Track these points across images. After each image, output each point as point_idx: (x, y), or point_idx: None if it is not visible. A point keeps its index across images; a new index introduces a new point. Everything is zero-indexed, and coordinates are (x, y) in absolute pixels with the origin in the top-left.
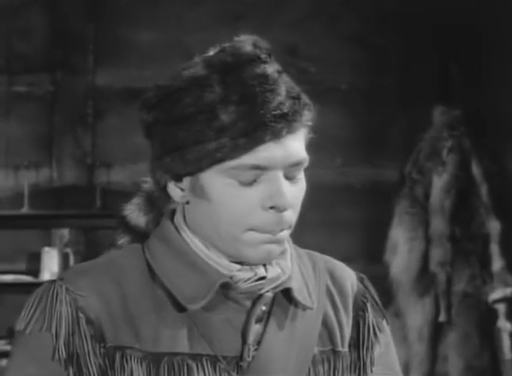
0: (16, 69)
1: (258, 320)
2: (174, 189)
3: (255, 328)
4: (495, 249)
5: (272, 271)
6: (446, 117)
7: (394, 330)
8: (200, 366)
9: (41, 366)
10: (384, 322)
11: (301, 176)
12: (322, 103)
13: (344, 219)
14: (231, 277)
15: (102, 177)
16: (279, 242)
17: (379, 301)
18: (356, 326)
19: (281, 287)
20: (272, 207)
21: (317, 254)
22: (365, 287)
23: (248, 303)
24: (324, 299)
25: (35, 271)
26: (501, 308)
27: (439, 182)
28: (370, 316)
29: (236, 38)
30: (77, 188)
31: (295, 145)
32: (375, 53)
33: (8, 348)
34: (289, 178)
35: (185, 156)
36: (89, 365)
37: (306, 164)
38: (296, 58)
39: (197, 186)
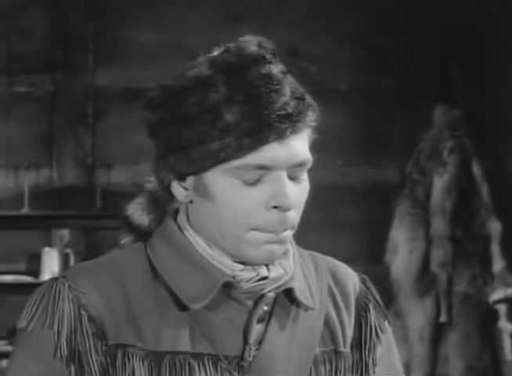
0: (16, 69)
1: (260, 320)
2: (177, 189)
3: (257, 328)
4: (495, 250)
5: (275, 271)
6: (447, 118)
7: (395, 330)
8: (201, 365)
9: (42, 363)
10: (386, 323)
11: (305, 177)
12: (323, 103)
13: (345, 220)
14: (233, 277)
15: (102, 177)
16: (281, 242)
17: (381, 302)
18: (358, 326)
19: (283, 287)
20: (275, 207)
21: (319, 255)
22: (367, 288)
23: (250, 303)
24: (326, 300)
25: (35, 271)
26: (502, 308)
27: (440, 183)
28: (372, 316)
29: (240, 39)
30: (77, 188)
31: (299, 145)
32: (375, 53)
33: (8, 348)
34: (292, 178)
35: (190, 155)
36: (91, 363)
37: (310, 164)
38: (296, 58)
39: (201, 186)
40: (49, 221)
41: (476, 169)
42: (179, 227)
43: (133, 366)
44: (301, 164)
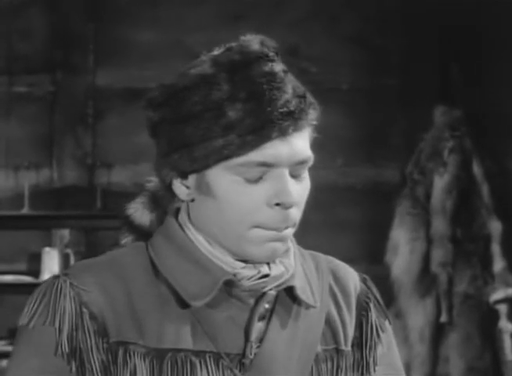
0: (16, 69)
1: (261, 318)
2: (179, 187)
3: (258, 326)
4: (496, 250)
5: (276, 269)
6: (447, 118)
7: (396, 330)
8: (203, 362)
9: (43, 360)
10: (387, 322)
11: (306, 175)
12: (323, 103)
13: (345, 220)
14: (234, 275)
15: (102, 177)
16: (283, 240)
17: (381, 302)
18: (359, 326)
19: (284, 285)
20: (277, 205)
21: (320, 255)
22: (368, 288)
23: (251, 301)
24: (327, 298)
25: (36, 271)
26: (502, 308)
27: (440, 183)
28: (373, 316)
29: (242, 38)
30: (77, 188)
31: (300, 143)
32: (376, 53)
33: (8, 348)
34: (294, 176)
35: (193, 153)
36: (92, 360)
37: (311, 162)
38: (297, 58)
39: (203, 184)
40: (49, 221)
41: (476, 169)
42: (180, 226)
43: (134, 363)
44: (302, 162)
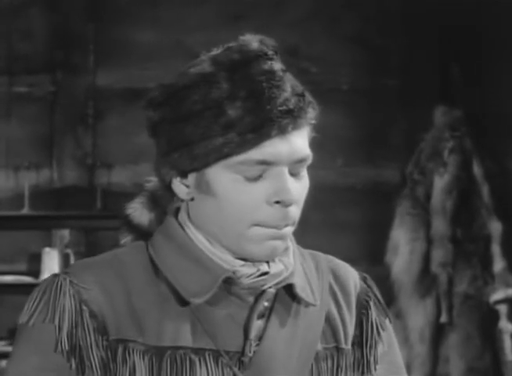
0: (16, 69)
1: (260, 316)
2: (179, 186)
3: (257, 324)
4: (496, 250)
5: (275, 267)
6: (447, 118)
7: (396, 331)
8: (202, 360)
9: (43, 357)
10: (387, 321)
11: (305, 173)
12: (323, 103)
13: (345, 220)
14: (234, 272)
15: (102, 178)
16: (283, 238)
17: (382, 301)
18: (359, 324)
19: (283, 283)
20: (277, 203)
21: (320, 254)
22: (369, 287)
23: (251, 299)
24: (327, 297)
25: (36, 272)
26: (502, 309)
27: (440, 183)
28: (373, 314)
29: (241, 37)
30: (77, 189)
31: (300, 141)
32: (376, 53)
33: (8, 349)
34: (293, 174)
35: (193, 151)
36: (91, 358)
37: (310, 161)
38: (297, 58)
39: (203, 182)
40: (49, 221)
41: (476, 169)
42: (180, 224)
43: (133, 361)
44: (301, 160)
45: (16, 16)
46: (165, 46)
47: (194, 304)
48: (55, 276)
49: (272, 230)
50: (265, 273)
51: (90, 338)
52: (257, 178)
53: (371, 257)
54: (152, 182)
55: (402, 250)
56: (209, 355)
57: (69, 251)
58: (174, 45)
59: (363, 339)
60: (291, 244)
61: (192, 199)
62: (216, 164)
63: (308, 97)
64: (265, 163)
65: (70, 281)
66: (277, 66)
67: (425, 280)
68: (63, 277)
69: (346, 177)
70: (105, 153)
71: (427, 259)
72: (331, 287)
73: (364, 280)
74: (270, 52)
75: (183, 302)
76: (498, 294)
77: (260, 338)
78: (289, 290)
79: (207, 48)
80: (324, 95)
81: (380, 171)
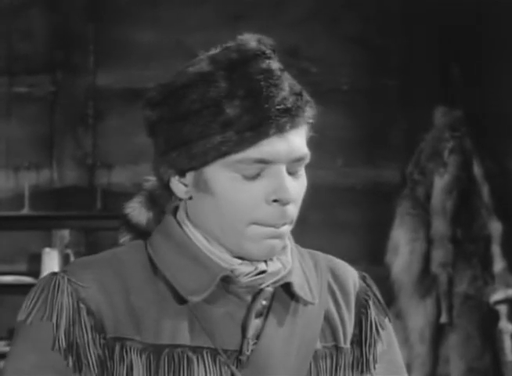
0: (16, 70)
1: (259, 315)
2: (177, 185)
3: (255, 323)
4: (496, 250)
5: (273, 266)
6: (447, 118)
7: (396, 331)
8: (200, 358)
9: (41, 355)
10: (387, 320)
11: (303, 172)
12: (324, 103)
13: (345, 220)
14: (232, 271)
15: (102, 178)
16: (281, 237)
17: (381, 299)
18: (358, 323)
19: (281, 282)
20: (275, 201)
21: (319, 254)
22: (368, 286)
23: (249, 297)
24: (326, 296)
25: (36, 272)
26: (502, 309)
27: (440, 183)
28: (373, 313)
29: (239, 37)
30: (77, 189)
31: (297, 140)
32: (376, 54)
33: (8, 349)
34: (291, 173)
35: (191, 150)
36: (89, 355)
37: (308, 160)
38: (297, 58)
39: (201, 181)
40: (50, 221)
41: (477, 169)
42: (179, 223)
43: (131, 359)
44: (299, 159)
45: (16, 16)
46: (165, 46)
47: (192, 302)
48: (53, 274)
49: (270, 229)
50: (263, 272)
51: (87, 336)
52: (255, 177)
53: (371, 257)
54: (150, 181)
55: (402, 250)
56: (207, 353)
57: (69, 251)
58: (174, 45)
59: (362, 338)
60: (289, 242)
61: (190, 198)
62: (214, 162)
63: (306, 96)
64: (263, 161)
65: (68, 279)
66: (275, 65)
67: (425, 280)
68: (61, 275)
69: (346, 177)
70: (105, 154)
71: (427, 259)
72: (330, 286)
73: (363, 279)
74: (268, 51)
75: (181, 301)
76: (498, 295)
77: (258, 337)
78: (287, 288)
79: (207, 49)
80: (324, 96)
81: (380, 171)
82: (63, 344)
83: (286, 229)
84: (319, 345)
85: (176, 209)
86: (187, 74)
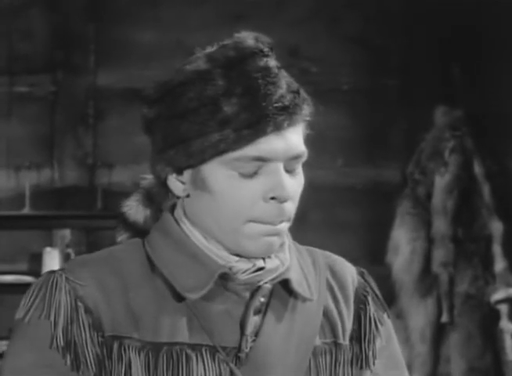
0: (16, 69)
1: (257, 312)
2: (174, 183)
3: (254, 319)
4: (497, 250)
5: (271, 262)
6: (448, 118)
7: (397, 331)
8: (199, 356)
9: (39, 353)
10: (385, 315)
11: (300, 170)
12: (324, 103)
13: (346, 220)
14: (230, 268)
15: (103, 178)
16: (278, 234)
17: (380, 295)
18: (357, 319)
19: (279, 279)
20: (272, 198)
21: (317, 250)
22: (366, 281)
23: (247, 294)
24: (324, 292)
25: (36, 271)
26: (503, 309)
27: (441, 183)
28: (371, 309)
29: (236, 34)
30: (78, 188)
31: (295, 138)
32: (376, 53)
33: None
34: (288, 171)
35: (189, 148)
36: (86, 354)
37: (305, 157)
38: (297, 58)
39: (198, 179)
40: (50, 221)
41: (477, 169)
42: (176, 221)
43: (129, 357)
44: (296, 157)
45: (17, 16)
46: (166, 46)
47: (190, 300)
48: (51, 272)
49: (268, 226)
50: (261, 269)
51: (85, 335)
52: (252, 175)
53: (372, 257)
54: (147, 179)
55: (403, 250)
56: (206, 351)
57: (70, 250)
58: (174, 45)
59: (361, 334)
60: (287, 239)
61: (187, 195)
62: (212, 160)
63: (303, 94)
64: (261, 159)
65: (66, 278)
66: (272, 63)
67: (426, 279)
68: (59, 274)
69: (346, 177)
70: (105, 153)
71: (427, 259)
72: (328, 283)
73: (361, 274)
74: (265, 49)
75: (179, 298)
76: (499, 294)
77: (256, 334)
78: (285, 285)
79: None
80: (324, 95)
81: (381, 171)
82: (61, 342)
83: (284, 226)
84: (318, 342)
85: (174, 207)
86: (184, 72)
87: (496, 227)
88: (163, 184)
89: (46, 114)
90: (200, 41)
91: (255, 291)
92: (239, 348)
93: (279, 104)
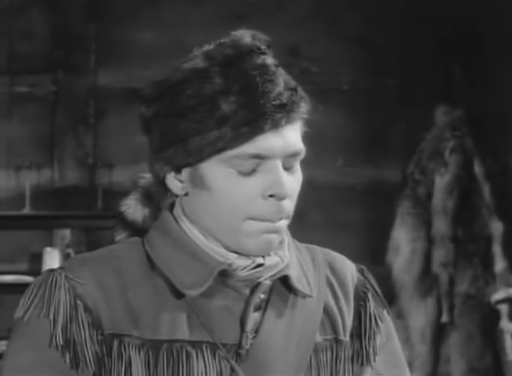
0: (17, 69)
1: (257, 308)
2: (173, 181)
3: (254, 316)
4: (497, 250)
5: (270, 259)
6: (448, 118)
7: (397, 331)
8: (199, 353)
9: (38, 352)
10: (385, 312)
11: (298, 168)
12: (324, 103)
13: (346, 220)
14: (229, 265)
15: (103, 177)
16: (277, 231)
17: (380, 292)
18: (358, 316)
19: (279, 275)
20: (271, 196)
21: (316, 248)
22: (366, 278)
23: (247, 291)
24: (324, 289)
25: (37, 271)
26: (503, 309)
27: (441, 183)
28: (371, 306)
29: (233, 32)
30: (78, 188)
31: (293, 135)
32: (376, 53)
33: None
34: (287, 168)
35: (187, 146)
36: (86, 352)
37: (303, 155)
38: (297, 58)
39: (197, 177)
40: (50, 221)
41: (477, 169)
42: (175, 219)
43: (129, 355)
44: (295, 154)
45: (17, 16)
46: (166, 46)
47: (190, 296)
48: (50, 271)
49: (267, 224)
50: (260, 265)
51: (84, 333)
52: (251, 173)
53: (372, 257)
54: (145, 178)
55: (403, 250)
56: (206, 347)
57: (70, 250)
58: (174, 45)
59: (362, 330)
60: (286, 237)
61: (186, 194)
62: (210, 158)
63: (301, 91)
64: (259, 157)
65: (66, 276)
66: (270, 60)
67: (426, 279)
68: (59, 272)
69: (346, 177)
70: (106, 153)
71: (428, 259)
72: (328, 279)
73: (361, 272)
74: (263, 47)
75: (179, 295)
76: (499, 294)
77: (257, 331)
78: (285, 282)
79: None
80: (324, 95)
81: (381, 171)
82: (60, 341)
83: (283, 223)
84: (319, 338)
85: (172, 205)
86: (182, 71)
87: (496, 227)
88: (161, 183)
89: (46, 114)
90: (200, 41)
91: (255, 287)
92: (239, 345)
93: (277, 102)
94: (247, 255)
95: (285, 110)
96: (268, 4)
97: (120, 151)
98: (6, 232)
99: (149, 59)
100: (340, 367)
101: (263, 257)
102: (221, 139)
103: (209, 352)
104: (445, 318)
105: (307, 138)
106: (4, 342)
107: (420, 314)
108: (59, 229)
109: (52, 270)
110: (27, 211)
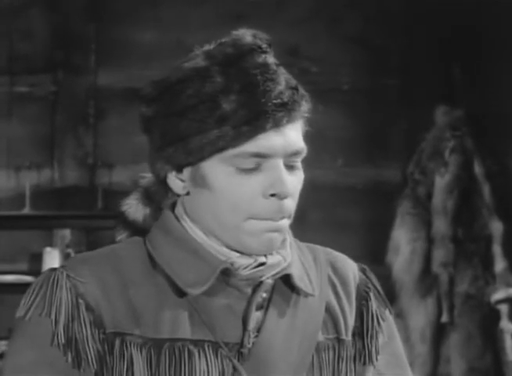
0: (17, 69)
1: (259, 307)
2: (174, 181)
3: (256, 315)
4: (497, 250)
5: (272, 258)
6: (448, 118)
7: (397, 330)
8: (201, 352)
9: (40, 351)
10: (387, 311)
11: (300, 167)
12: (324, 103)
13: (346, 220)
14: (231, 264)
15: (103, 177)
16: (279, 230)
17: (381, 292)
18: (360, 315)
19: (281, 274)
20: (272, 195)
21: (318, 247)
22: (368, 278)
23: (249, 290)
24: (326, 288)
25: (37, 271)
26: (503, 309)
27: (441, 183)
28: (373, 305)
29: (234, 32)
30: (78, 188)
31: (294, 134)
32: (376, 53)
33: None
34: (288, 167)
35: (188, 145)
36: (87, 351)
37: (304, 154)
38: (297, 58)
39: (198, 176)
40: (50, 221)
41: (477, 169)
42: (177, 218)
43: (131, 354)
44: (296, 153)
45: (17, 16)
46: (166, 46)
47: (192, 295)
48: (51, 270)
49: (269, 222)
50: (263, 264)
51: (86, 332)
52: (252, 172)
53: (372, 257)
54: (146, 178)
55: (403, 250)
56: (208, 346)
57: (70, 250)
58: (174, 45)
59: (364, 330)
60: (288, 236)
61: (187, 193)
62: (211, 157)
63: (302, 90)
64: (260, 156)
65: (67, 275)
66: (271, 59)
67: (426, 279)
68: (60, 271)
69: (346, 177)
70: (106, 153)
71: (428, 259)
72: (330, 279)
73: (363, 271)
74: (264, 46)
75: (181, 294)
76: (499, 294)
77: (259, 330)
78: (287, 281)
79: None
80: (324, 95)
81: (381, 171)
82: (62, 339)
83: (285, 222)
84: (321, 337)
85: (174, 205)
86: (182, 70)
87: (496, 227)
88: (162, 182)
89: (46, 114)
90: (200, 41)
91: (257, 286)
92: (241, 344)
93: (278, 101)
94: (249, 254)
95: (286, 109)
96: (268, 4)
97: (120, 151)
98: (6, 232)
99: (149, 59)
100: (343, 367)
101: (265, 256)
102: (222, 138)
103: (211, 351)
104: (445, 318)
105: (307, 138)
106: (4, 342)
107: (420, 314)
108: (59, 229)
109: (54, 269)
110: (27, 211)
